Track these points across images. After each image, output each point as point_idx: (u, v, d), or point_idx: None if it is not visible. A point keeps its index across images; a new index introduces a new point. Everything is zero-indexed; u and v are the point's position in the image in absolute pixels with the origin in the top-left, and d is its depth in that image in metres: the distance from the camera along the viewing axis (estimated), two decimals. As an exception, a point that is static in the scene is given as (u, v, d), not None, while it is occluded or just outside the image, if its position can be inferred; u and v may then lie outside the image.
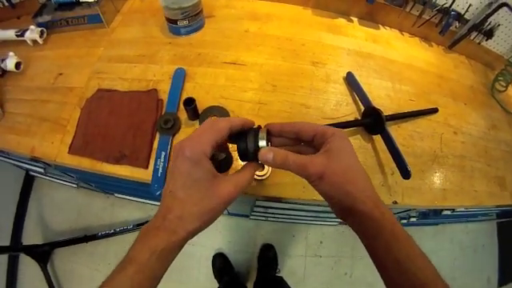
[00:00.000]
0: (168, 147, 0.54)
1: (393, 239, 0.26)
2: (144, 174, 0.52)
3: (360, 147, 0.58)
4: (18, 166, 1.05)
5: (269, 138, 0.32)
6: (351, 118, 0.61)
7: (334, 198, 0.29)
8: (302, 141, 0.33)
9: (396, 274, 0.26)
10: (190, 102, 0.54)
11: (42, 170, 0.96)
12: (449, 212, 0.82)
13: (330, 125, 0.54)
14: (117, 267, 0.26)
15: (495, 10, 0.69)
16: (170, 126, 0.55)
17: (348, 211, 0.28)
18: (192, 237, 0.28)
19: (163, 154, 0.53)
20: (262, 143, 0.31)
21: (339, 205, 0.29)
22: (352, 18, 0.82)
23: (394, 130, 0.61)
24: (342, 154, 0.29)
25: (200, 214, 0.27)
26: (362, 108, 0.61)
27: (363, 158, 0.57)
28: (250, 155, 0.31)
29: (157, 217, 0.28)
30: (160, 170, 0.52)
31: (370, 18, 0.82)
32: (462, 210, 0.83)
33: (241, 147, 0.31)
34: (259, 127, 0.33)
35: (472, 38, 0.78)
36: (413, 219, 0.95)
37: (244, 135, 0.31)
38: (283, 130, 0.32)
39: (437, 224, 1.32)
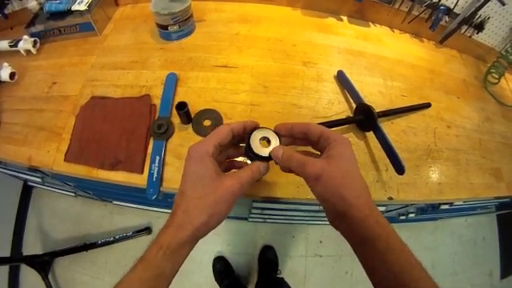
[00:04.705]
0: (162, 152, 0.54)
1: (388, 249, 0.26)
2: (139, 179, 0.53)
3: (353, 144, 0.56)
4: (15, 177, 1.05)
5: (268, 139, 0.34)
6: (343, 116, 0.61)
7: (329, 202, 0.29)
8: (309, 141, 0.34)
9: (388, 281, 0.25)
10: (182, 107, 0.54)
11: (39, 180, 0.96)
12: (447, 206, 0.82)
13: (322, 123, 0.54)
14: (131, 266, 0.27)
15: (485, 3, 0.69)
16: (163, 131, 0.55)
17: (341, 216, 0.28)
18: (201, 234, 0.29)
19: (157, 158, 0.53)
20: (257, 143, 0.33)
21: (333, 209, 0.29)
22: (342, 16, 0.83)
23: (386, 126, 0.61)
24: (341, 160, 0.30)
25: (204, 206, 0.28)
26: (354, 106, 0.61)
27: (356, 155, 0.54)
28: (251, 154, 0.33)
29: (169, 216, 0.29)
30: (155, 175, 0.52)
31: (360, 17, 0.83)
32: (460, 203, 0.83)
33: (245, 147, 0.34)
34: (262, 128, 0.35)
35: (463, 31, 0.78)
36: (411, 215, 0.94)
37: (248, 137, 0.34)
38: (293, 129, 0.34)
39: (436, 219, 1.32)
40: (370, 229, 0.27)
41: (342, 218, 0.29)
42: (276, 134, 0.34)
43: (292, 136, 0.35)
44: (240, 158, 0.38)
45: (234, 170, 0.37)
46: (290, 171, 0.34)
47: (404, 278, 0.25)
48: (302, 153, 0.33)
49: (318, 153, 0.33)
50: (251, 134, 0.34)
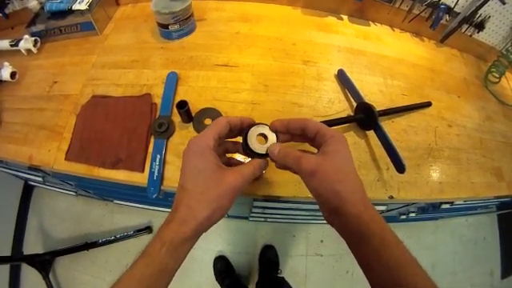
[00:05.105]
0: (163, 150, 0.54)
1: (382, 245, 0.26)
2: (140, 178, 0.53)
3: (354, 143, 0.58)
4: (16, 176, 1.06)
5: (265, 135, 0.34)
6: (344, 115, 0.61)
7: (323, 197, 0.29)
8: (306, 138, 0.34)
9: (385, 281, 0.25)
10: (182, 105, 0.54)
11: (40, 179, 0.96)
12: (448, 205, 0.82)
13: (323, 122, 0.54)
14: (132, 262, 0.27)
15: (485, 2, 0.69)
16: (164, 130, 0.55)
17: (335, 212, 0.29)
18: (203, 229, 0.29)
19: (158, 157, 0.53)
20: (254, 140, 0.34)
21: (327, 204, 0.29)
22: (342, 15, 0.83)
23: (387, 125, 0.61)
24: (336, 156, 0.30)
25: (207, 201, 0.28)
26: (355, 104, 0.61)
27: (357, 153, 0.57)
28: (248, 151, 0.34)
29: (170, 211, 0.29)
30: (155, 174, 0.52)
31: (360, 16, 0.82)
32: (461, 203, 0.83)
33: (242, 144, 0.34)
34: (260, 124, 0.35)
35: (463, 30, 0.78)
36: (412, 214, 0.94)
37: (245, 134, 0.34)
38: (290, 125, 0.34)
39: (436, 218, 1.31)
40: (365, 224, 0.27)
41: (336, 214, 0.29)
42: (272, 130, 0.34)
43: (289, 132, 0.35)
44: (238, 156, 0.38)
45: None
46: (286, 168, 0.34)
47: (399, 274, 0.25)
48: (298, 151, 0.33)
49: (315, 151, 0.33)
50: (248, 130, 0.34)
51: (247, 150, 0.34)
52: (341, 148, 0.30)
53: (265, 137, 0.34)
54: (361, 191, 0.29)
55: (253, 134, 0.34)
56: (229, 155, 0.38)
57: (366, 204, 0.28)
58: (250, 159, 0.34)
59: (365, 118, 0.57)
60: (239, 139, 0.36)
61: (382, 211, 0.88)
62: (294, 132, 0.34)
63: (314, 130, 0.32)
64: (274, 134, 0.34)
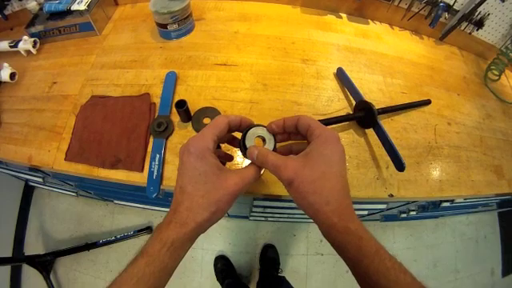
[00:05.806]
0: (162, 150, 0.54)
1: (359, 253, 0.26)
2: (139, 178, 0.53)
3: (353, 141, 0.58)
4: (16, 177, 1.06)
5: (263, 137, 0.34)
6: (343, 113, 0.61)
7: (301, 206, 0.29)
8: (301, 135, 0.33)
9: (369, 287, 0.26)
10: (181, 105, 0.54)
11: (40, 180, 0.97)
12: (448, 204, 0.82)
13: (322, 121, 0.54)
14: (130, 261, 0.27)
15: (484, 0, 0.69)
16: (163, 129, 0.55)
17: (314, 220, 0.29)
18: (202, 230, 0.29)
19: (157, 156, 0.53)
20: (252, 142, 0.33)
21: (306, 213, 0.30)
22: (341, 14, 0.83)
23: (386, 123, 0.61)
24: (319, 160, 0.29)
25: (208, 204, 0.28)
26: (354, 103, 0.61)
27: (356, 152, 0.57)
28: (246, 153, 0.33)
29: (168, 212, 0.29)
30: (155, 173, 0.52)
31: (359, 14, 0.82)
32: (462, 201, 0.83)
33: (240, 146, 0.34)
34: (258, 126, 0.35)
35: (462, 28, 0.78)
36: (412, 213, 0.94)
37: (244, 135, 0.34)
38: (285, 124, 0.33)
39: (437, 217, 1.31)
40: (340, 235, 0.27)
41: (315, 222, 0.29)
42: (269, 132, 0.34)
43: (285, 131, 0.34)
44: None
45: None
46: None
47: (380, 281, 0.25)
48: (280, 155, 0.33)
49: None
50: (247, 131, 0.33)
51: (245, 152, 0.33)
52: (326, 150, 0.29)
53: (263, 139, 0.34)
54: (337, 202, 0.28)
55: (251, 135, 0.33)
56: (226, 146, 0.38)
57: (342, 214, 0.28)
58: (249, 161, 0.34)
59: (364, 116, 0.57)
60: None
61: (382, 210, 0.88)
62: (289, 130, 0.34)
63: (305, 127, 0.31)
64: (272, 136, 0.34)
